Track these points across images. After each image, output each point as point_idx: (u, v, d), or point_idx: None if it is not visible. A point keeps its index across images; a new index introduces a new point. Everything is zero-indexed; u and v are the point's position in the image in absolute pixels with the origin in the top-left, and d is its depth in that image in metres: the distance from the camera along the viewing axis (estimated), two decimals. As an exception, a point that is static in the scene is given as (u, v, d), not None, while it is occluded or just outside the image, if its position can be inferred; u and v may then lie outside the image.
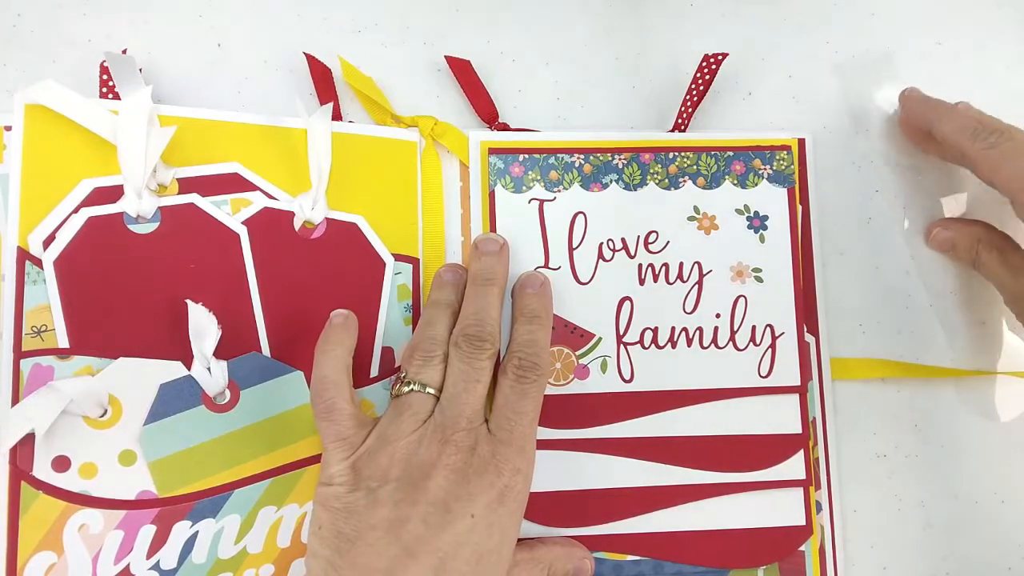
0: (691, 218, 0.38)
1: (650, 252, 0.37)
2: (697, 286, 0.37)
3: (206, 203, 0.35)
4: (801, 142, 0.39)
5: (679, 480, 0.36)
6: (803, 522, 0.37)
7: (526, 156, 0.37)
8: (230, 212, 0.35)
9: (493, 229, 0.37)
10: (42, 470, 0.32)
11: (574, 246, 0.37)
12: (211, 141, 0.35)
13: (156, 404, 0.33)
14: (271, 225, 0.35)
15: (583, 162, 0.38)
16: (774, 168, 0.38)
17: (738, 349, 0.37)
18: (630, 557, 0.36)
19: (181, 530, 0.33)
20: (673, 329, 0.37)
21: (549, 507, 0.35)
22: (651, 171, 0.38)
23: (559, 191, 0.37)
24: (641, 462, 0.36)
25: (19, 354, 0.33)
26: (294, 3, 0.38)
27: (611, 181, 0.38)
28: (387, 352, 0.36)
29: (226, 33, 0.37)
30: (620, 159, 0.38)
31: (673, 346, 0.37)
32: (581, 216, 0.37)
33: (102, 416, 0.33)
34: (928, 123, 0.36)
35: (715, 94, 0.39)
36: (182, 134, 0.34)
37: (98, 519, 0.33)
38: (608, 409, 0.36)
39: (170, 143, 0.34)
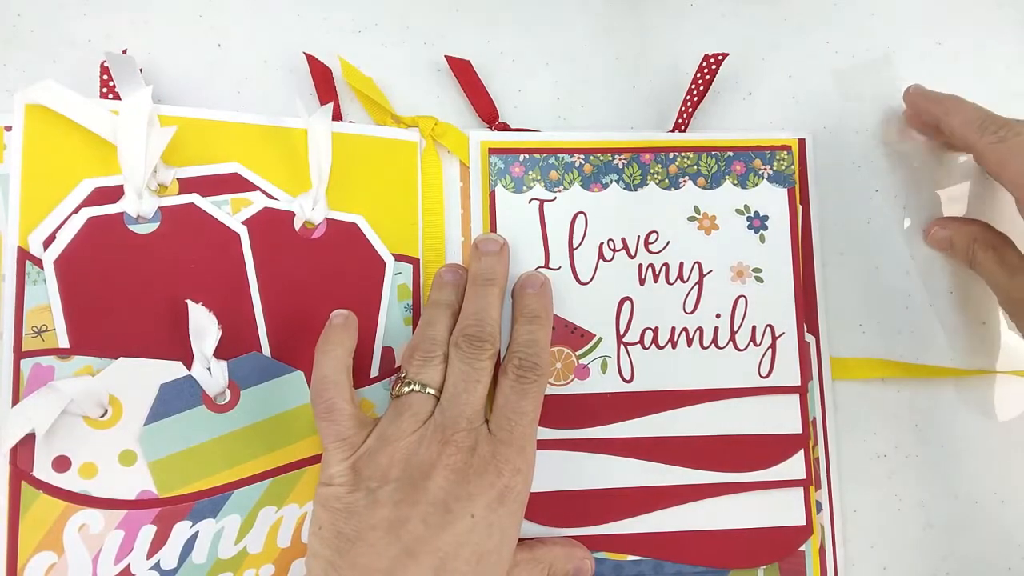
0: (691, 218, 0.38)
1: (650, 252, 0.37)
2: (697, 286, 0.37)
3: (206, 203, 0.35)
4: (801, 142, 0.39)
5: (679, 480, 0.36)
6: (803, 522, 0.37)
7: (526, 156, 0.37)
8: (230, 212, 0.35)
9: (493, 229, 0.37)
10: (42, 470, 0.32)
11: (574, 246, 0.37)
12: (211, 141, 0.35)
13: (156, 404, 0.33)
14: (271, 225, 0.35)
15: (583, 162, 0.38)
16: (774, 168, 0.38)
17: (738, 349, 0.37)
18: (630, 557, 0.36)
19: (181, 530, 0.33)
20: (673, 329, 0.37)
21: (549, 507, 0.36)
22: (651, 171, 0.38)
23: (559, 191, 0.37)
24: (641, 462, 0.36)
25: (19, 354, 0.33)
26: (294, 3, 0.38)
27: (611, 181, 0.38)
28: (387, 352, 0.36)
29: (226, 33, 0.37)
30: (620, 159, 0.38)
31: (673, 346, 0.37)
32: (581, 216, 0.37)
33: (102, 416, 0.33)
34: (935, 118, 0.36)
35: (715, 94, 0.39)
36: (182, 134, 0.35)
37: (98, 519, 0.33)
38: (608, 409, 0.36)
39: (170, 143, 0.34)
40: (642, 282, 0.37)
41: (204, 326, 0.33)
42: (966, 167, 0.40)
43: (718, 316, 0.37)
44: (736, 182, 0.38)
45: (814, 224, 0.39)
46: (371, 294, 0.36)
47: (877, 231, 0.39)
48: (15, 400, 0.33)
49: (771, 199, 0.38)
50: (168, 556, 0.33)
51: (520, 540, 0.32)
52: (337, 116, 0.37)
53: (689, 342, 0.37)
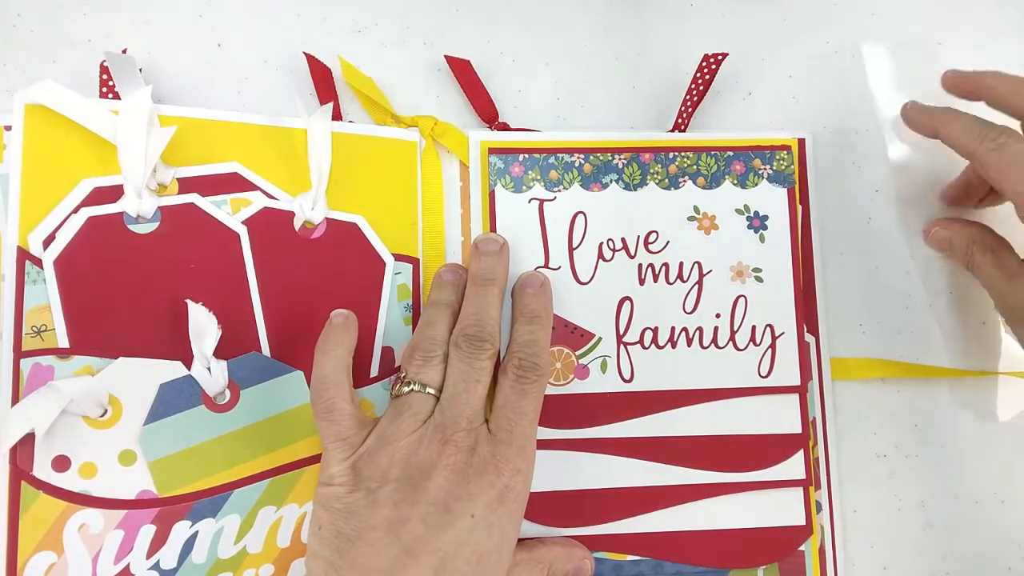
0: (691, 218, 0.38)
1: (650, 252, 0.37)
2: (697, 286, 0.37)
3: (206, 203, 0.35)
4: (801, 142, 0.39)
5: (679, 480, 0.36)
6: (803, 522, 0.37)
7: (526, 156, 0.37)
8: (230, 212, 0.35)
9: (493, 229, 0.37)
10: (42, 470, 0.32)
11: (574, 246, 0.37)
12: (211, 141, 0.35)
13: (156, 404, 0.33)
14: (271, 225, 0.35)
15: (583, 162, 0.38)
16: (774, 168, 0.38)
17: (738, 349, 0.37)
18: (630, 557, 0.36)
19: (181, 530, 0.33)
20: (673, 329, 0.37)
21: (549, 507, 0.36)
22: (651, 171, 0.38)
23: (559, 191, 0.37)
24: (641, 462, 0.36)
25: (19, 354, 0.33)
26: (294, 3, 0.38)
27: (611, 181, 0.38)
28: (387, 352, 0.36)
29: (226, 33, 0.37)
30: (620, 159, 0.38)
31: (673, 346, 0.37)
32: (581, 216, 0.37)
33: (102, 416, 0.33)
34: (934, 131, 0.36)
35: (715, 94, 0.39)
36: (182, 134, 0.35)
37: (98, 519, 0.33)
38: (608, 409, 0.36)
39: (170, 143, 0.34)
40: (642, 282, 0.37)
41: (204, 326, 0.33)
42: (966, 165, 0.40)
43: (718, 316, 0.37)
44: (736, 182, 0.38)
45: (814, 224, 0.39)
46: (371, 294, 0.36)
47: (877, 231, 0.39)
48: (15, 400, 0.33)
49: (771, 199, 0.38)
50: (168, 556, 0.33)
51: (520, 540, 0.32)
52: (337, 116, 0.37)
53: (689, 342, 0.37)
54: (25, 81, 0.35)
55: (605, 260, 0.37)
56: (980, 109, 0.35)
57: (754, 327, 0.37)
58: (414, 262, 0.37)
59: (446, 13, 0.39)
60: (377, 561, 0.29)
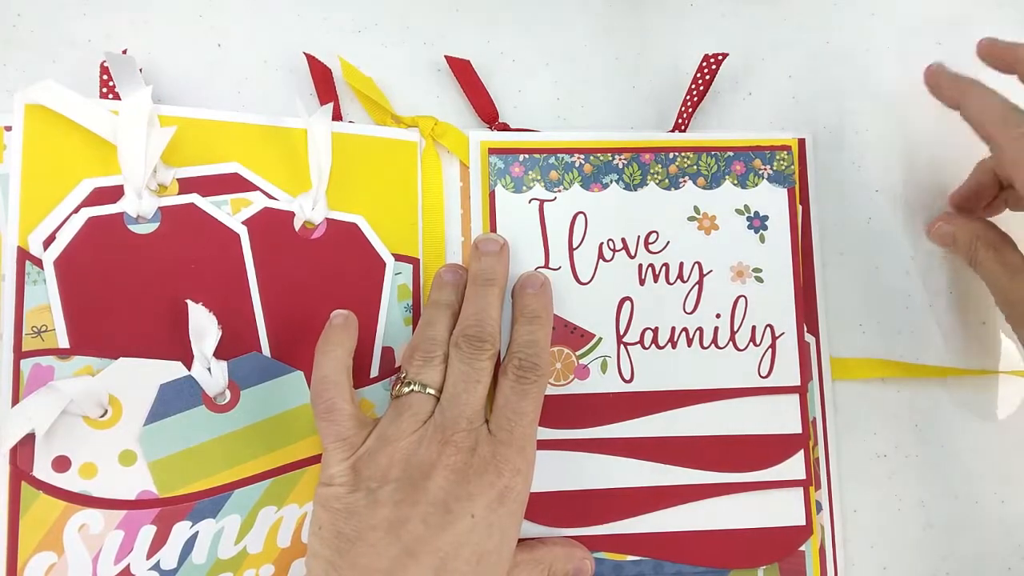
0: (691, 218, 0.38)
1: (650, 252, 0.37)
2: (697, 286, 0.37)
3: (206, 203, 0.35)
4: (801, 142, 0.39)
5: (679, 480, 0.36)
6: (803, 522, 0.37)
7: (526, 156, 0.37)
8: (230, 212, 0.35)
9: (493, 229, 0.37)
10: (42, 470, 0.32)
11: (574, 246, 0.37)
12: (211, 141, 0.35)
13: (156, 404, 0.33)
14: (271, 225, 0.35)
15: (583, 162, 0.38)
16: (774, 168, 0.38)
17: (738, 349, 0.37)
18: (630, 557, 0.36)
19: (181, 530, 0.33)
20: (673, 329, 0.37)
21: (549, 507, 0.36)
22: (651, 171, 0.38)
23: (559, 191, 0.37)
24: (641, 462, 0.36)
25: (19, 354, 0.33)
26: (294, 3, 0.38)
27: (611, 181, 0.38)
28: (387, 352, 0.36)
29: (226, 33, 0.37)
30: (620, 159, 0.38)
31: (673, 346, 0.37)
32: (581, 216, 0.37)
33: (102, 416, 0.33)
34: (956, 102, 0.34)
35: (715, 94, 0.39)
36: (182, 134, 0.34)
37: (98, 519, 0.33)
38: (608, 409, 0.36)
39: (170, 143, 0.34)
40: (642, 282, 0.37)
41: (204, 326, 0.33)
42: (967, 166, 0.40)
43: (718, 316, 0.37)
44: (736, 182, 0.38)
45: (814, 224, 0.39)
46: (371, 294, 0.36)
47: (877, 231, 0.39)
48: (15, 400, 0.33)
49: (771, 199, 0.38)
50: (168, 556, 0.33)
51: (520, 540, 0.32)
52: (337, 116, 0.37)
53: (689, 342, 0.37)
54: (25, 81, 0.35)
55: (605, 260, 0.37)
56: (1008, 89, 0.34)
57: (754, 327, 0.37)
58: (414, 262, 0.37)
59: (446, 13, 0.39)
60: (377, 561, 0.29)
